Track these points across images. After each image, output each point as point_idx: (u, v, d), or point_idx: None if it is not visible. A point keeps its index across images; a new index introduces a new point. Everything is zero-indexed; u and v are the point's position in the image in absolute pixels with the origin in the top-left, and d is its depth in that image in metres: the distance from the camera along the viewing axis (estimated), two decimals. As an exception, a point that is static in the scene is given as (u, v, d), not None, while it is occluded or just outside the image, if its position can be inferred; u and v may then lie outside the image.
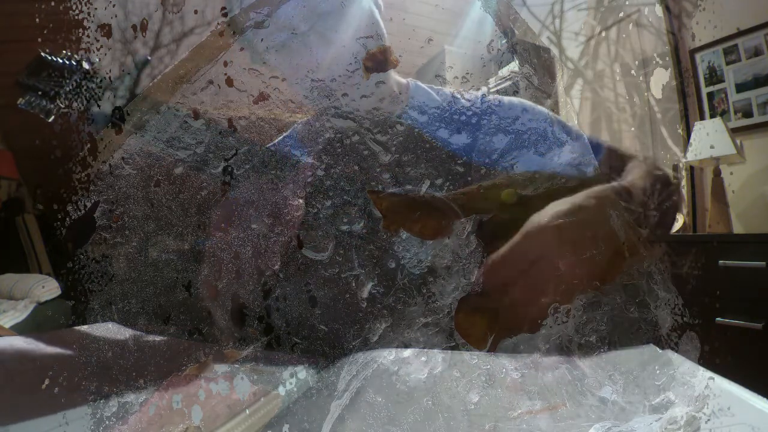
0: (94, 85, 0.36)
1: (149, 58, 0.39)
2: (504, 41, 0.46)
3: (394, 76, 0.47)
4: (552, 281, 0.33)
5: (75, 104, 0.36)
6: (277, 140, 0.42)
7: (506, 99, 0.48)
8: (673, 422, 0.27)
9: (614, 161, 0.45)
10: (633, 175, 0.42)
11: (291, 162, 0.37)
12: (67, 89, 0.36)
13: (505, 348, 0.34)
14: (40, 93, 0.37)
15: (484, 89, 0.48)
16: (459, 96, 0.48)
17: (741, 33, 1.59)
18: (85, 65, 0.36)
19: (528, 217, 0.36)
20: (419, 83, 0.50)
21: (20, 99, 0.37)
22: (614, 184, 0.39)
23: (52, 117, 0.37)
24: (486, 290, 0.34)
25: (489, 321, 0.35)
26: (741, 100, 1.63)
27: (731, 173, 1.59)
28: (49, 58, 0.37)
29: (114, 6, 0.35)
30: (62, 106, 0.36)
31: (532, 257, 0.33)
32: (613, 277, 0.35)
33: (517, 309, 0.34)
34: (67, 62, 0.37)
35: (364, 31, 0.42)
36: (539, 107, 0.47)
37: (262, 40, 0.41)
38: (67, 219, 0.34)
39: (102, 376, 0.32)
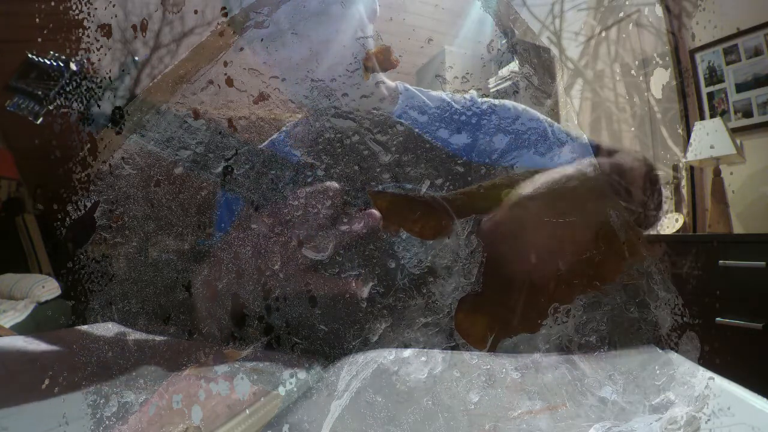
0: (93, 85, 0.36)
1: (136, 58, 0.39)
2: (504, 41, 0.46)
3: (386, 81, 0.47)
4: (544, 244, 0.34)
5: (75, 104, 0.36)
6: (267, 141, 0.42)
7: (499, 102, 0.48)
8: (673, 422, 0.27)
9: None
10: (618, 160, 0.44)
11: (291, 163, 0.37)
12: (55, 91, 0.36)
13: (505, 348, 0.34)
14: (28, 95, 0.37)
15: (473, 92, 0.48)
16: (451, 100, 0.48)
17: (741, 33, 1.59)
18: (73, 66, 0.36)
19: (528, 218, 0.36)
20: (409, 86, 0.50)
21: (8, 101, 0.37)
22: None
23: (41, 119, 0.37)
24: (489, 279, 0.35)
25: (489, 321, 0.35)
26: (741, 100, 1.63)
27: (731, 173, 1.59)
28: (37, 59, 0.37)
29: (114, 6, 0.35)
30: (51, 108, 0.36)
31: (521, 221, 0.34)
32: (613, 277, 0.35)
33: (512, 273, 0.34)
34: (55, 63, 0.37)
35: (353, 35, 0.43)
36: (533, 110, 0.48)
37: (261, 40, 0.41)
38: (67, 219, 0.34)
39: (102, 376, 0.32)
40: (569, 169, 0.38)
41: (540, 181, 0.36)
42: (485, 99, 0.48)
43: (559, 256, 0.35)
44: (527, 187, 0.36)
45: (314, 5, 0.42)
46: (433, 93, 0.50)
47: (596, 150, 0.44)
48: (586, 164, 0.39)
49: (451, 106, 0.48)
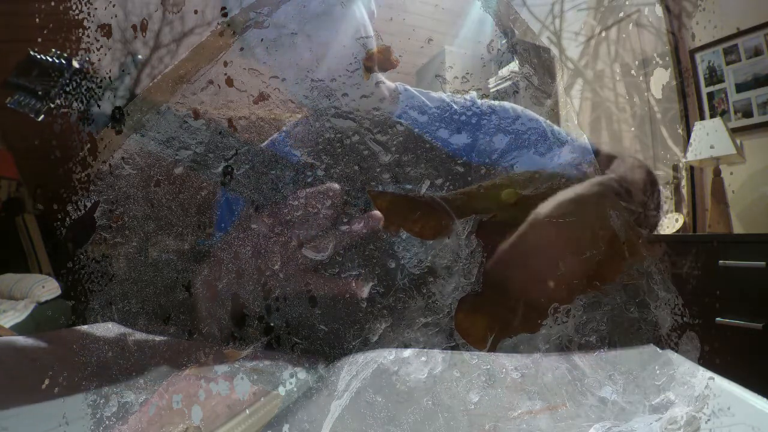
0: (93, 85, 0.36)
1: (140, 57, 0.39)
2: (504, 41, 0.46)
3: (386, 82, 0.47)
4: (555, 270, 0.34)
5: (75, 104, 0.36)
6: (268, 141, 0.42)
7: (499, 104, 0.48)
8: (673, 422, 0.27)
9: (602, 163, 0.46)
10: (621, 170, 0.44)
11: (290, 163, 0.37)
12: (57, 88, 0.36)
13: (505, 348, 0.34)
14: (29, 92, 0.37)
15: (473, 94, 0.48)
16: (451, 101, 0.48)
17: (741, 33, 1.60)
18: (76, 64, 0.36)
19: (527, 217, 0.36)
20: (408, 87, 0.50)
21: (9, 98, 0.37)
22: (611, 175, 0.40)
23: (42, 116, 0.37)
24: (490, 282, 0.35)
25: (489, 321, 0.35)
26: (741, 100, 1.63)
27: (731, 173, 1.59)
28: (39, 57, 0.37)
29: (114, 6, 0.35)
30: (52, 105, 0.36)
31: (538, 246, 0.34)
32: (613, 277, 0.35)
33: (521, 299, 0.34)
34: (57, 61, 0.37)
35: (353, 35, 0.43)
36: (531, 112, 0.48)
37: (261, 40, 0.41)
38: (67, 219, 0.34)
39: (102, 376, 0.32)
40: (580, 189, 0.38)
41: (559, 203, 0.36)
42: (485, 100, 0.48)
43: (569, 276, 0.35)
44: (546, 209, 0.36)
45: (315, 6, 0.42)
46: (433, 94, 0.50)
47: (595, 153, 0.44)
48: (595, 182, 0.39)
49: (450, 107, 0.48)
